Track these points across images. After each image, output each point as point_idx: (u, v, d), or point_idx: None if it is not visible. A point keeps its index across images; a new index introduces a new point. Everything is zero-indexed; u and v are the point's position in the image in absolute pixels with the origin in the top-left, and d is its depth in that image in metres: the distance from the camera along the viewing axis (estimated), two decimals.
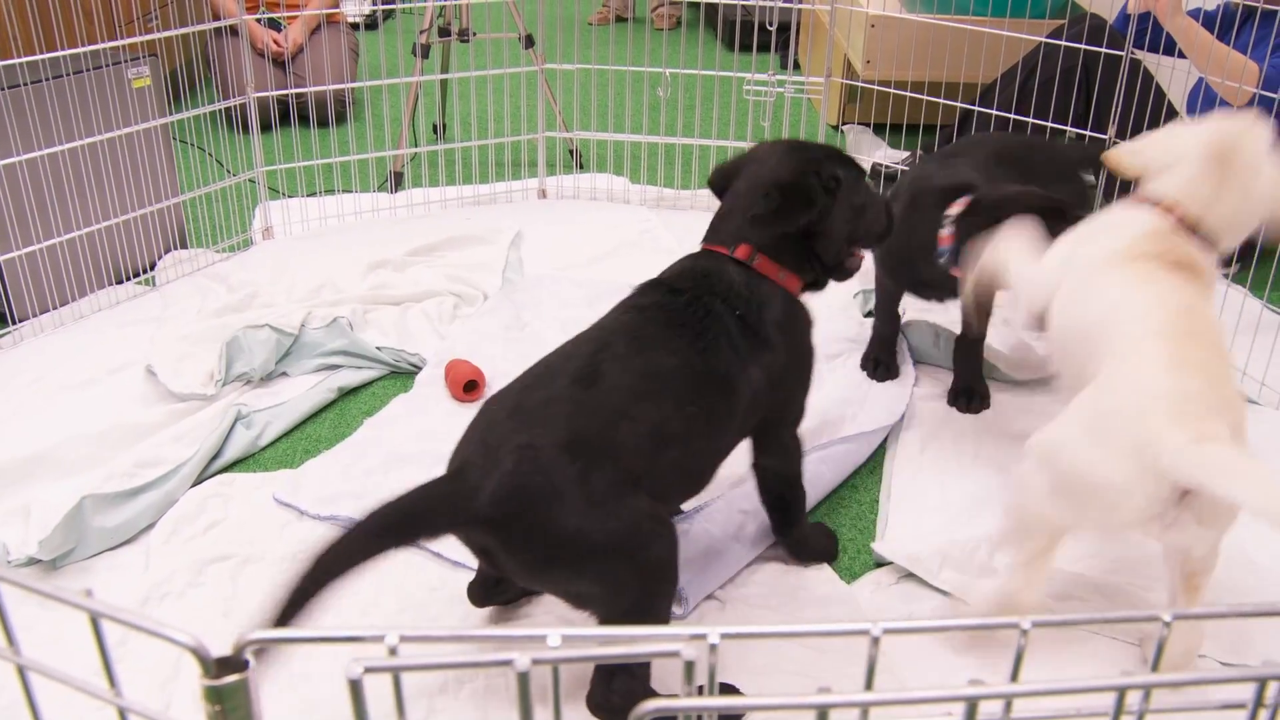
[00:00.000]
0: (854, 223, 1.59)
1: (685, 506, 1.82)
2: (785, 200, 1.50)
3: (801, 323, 1.56)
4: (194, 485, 1.88)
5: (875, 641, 0.54)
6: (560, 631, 0.53)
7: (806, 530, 1.73)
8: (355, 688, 0.53)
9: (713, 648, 0.54)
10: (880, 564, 1.75)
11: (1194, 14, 2.69)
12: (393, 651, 0.53)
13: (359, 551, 1.19)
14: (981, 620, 0.58)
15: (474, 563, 1.68)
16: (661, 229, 2.95)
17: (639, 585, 1.30)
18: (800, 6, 3.10)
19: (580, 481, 1.24)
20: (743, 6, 4.54)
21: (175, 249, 2.74)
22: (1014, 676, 0.57)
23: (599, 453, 1.26)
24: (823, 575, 1.72)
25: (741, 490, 1.84)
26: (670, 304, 1.45)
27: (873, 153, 3.45)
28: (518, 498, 1.23)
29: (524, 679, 0.53)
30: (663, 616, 1.35)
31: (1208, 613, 0.58)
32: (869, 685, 0.55)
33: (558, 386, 1.32)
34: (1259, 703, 0.57)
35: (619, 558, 1.27)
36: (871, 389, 2.20)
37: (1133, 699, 0.60)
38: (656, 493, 1.34)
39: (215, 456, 1.95)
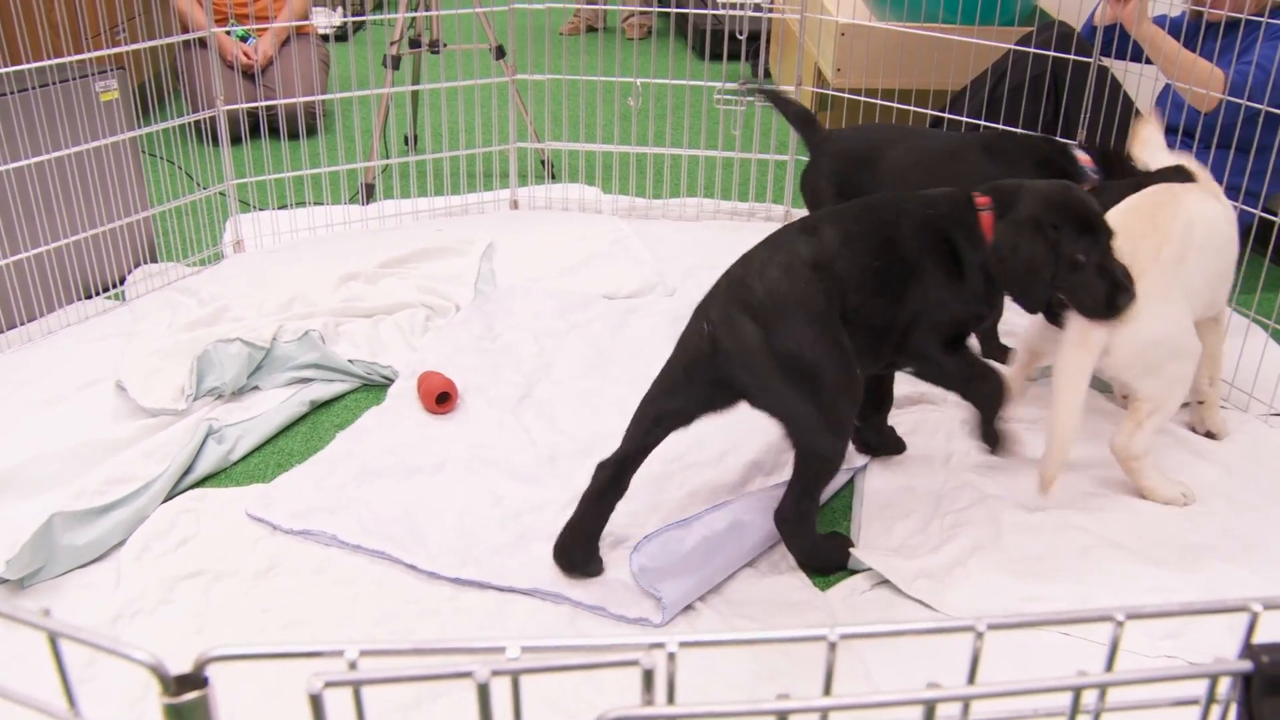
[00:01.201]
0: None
1: (689, 509, 1.84)
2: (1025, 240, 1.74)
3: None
4: (165, 501, 1.86)
5: (832, 647, 0.55)
6: (520, 643, 0.53)
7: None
8: (315, 702, 0.53)
9: (671, 656, 0.54)
10: (855, 570, 1.76)
11: (1160, 21, 2.72)
12: (353, 666, 0.53)
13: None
14: (938, 624, 0.59)
15: (452, 574, 1.68)
16: (633, 238, 2.96)
17: (820, 405, 1.59)
18: (770, 15, 3.11)
19: (822, 294, 1.59)
20: (713, 16, 4.57)
21: (145, 263, 2.72)
22: (971, 678, 0.57)
23: (838, 278, 1.63)
24: (798, 582, 1.72)
25: (744, 503, 1.85)
26: (908, 207, 1.74)
27: None
28: (777, 295, 1.57)
29: (484, 690, 0.53)
30: (846, 426, 1.65)
31: (1160, 610, 0.59)
32: (827, 690, 0.56)
33: (826, 226, 1.68)
34: (1211, 699, 0.58)
35: (819, 368, 1.57)
36: None
37: (1089, 698, 0.61)
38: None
39: (187, 472, 1.94)
